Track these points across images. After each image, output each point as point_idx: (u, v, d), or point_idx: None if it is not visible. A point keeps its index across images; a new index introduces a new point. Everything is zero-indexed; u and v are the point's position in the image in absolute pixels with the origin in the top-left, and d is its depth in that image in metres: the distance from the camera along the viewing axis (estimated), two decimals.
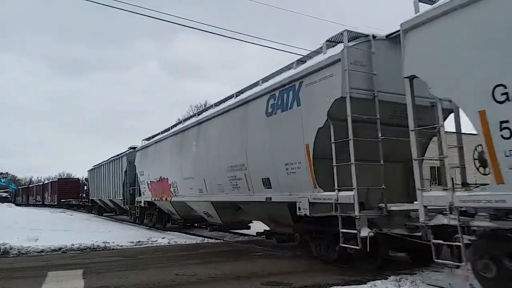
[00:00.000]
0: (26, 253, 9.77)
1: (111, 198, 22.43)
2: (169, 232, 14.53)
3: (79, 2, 11.39)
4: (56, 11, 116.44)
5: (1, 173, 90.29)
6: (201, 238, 12.28)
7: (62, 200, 39.01)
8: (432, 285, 5.58)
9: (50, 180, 48.15)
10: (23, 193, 60.44)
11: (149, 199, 15.91)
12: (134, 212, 18.80)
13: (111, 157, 22.81)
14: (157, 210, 16.08)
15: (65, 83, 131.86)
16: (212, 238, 12.12)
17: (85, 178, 42.65)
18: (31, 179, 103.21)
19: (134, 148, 18.44)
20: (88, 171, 30.14)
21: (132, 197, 18.63)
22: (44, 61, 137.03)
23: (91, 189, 28.80)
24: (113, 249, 10.49)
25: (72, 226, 16.48)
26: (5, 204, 45.25)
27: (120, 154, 20.87)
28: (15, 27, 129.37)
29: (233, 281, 6.26)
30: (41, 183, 53.10)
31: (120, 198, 20.27)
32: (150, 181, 15.34)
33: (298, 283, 5.85)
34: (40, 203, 48.23)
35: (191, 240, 12.00)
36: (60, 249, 10.17)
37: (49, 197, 44.25)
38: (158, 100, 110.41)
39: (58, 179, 44.86)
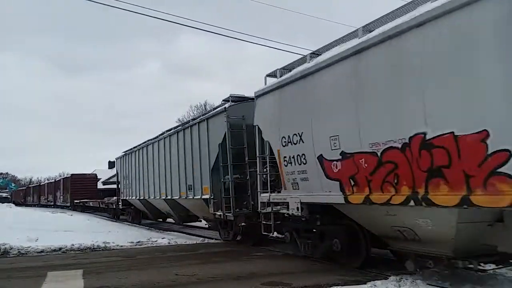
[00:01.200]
0: (26, 253, 9.77)
1: (173, 197, 12.95)
2: (168, 232, 14.52)
3: (80, 1, 11.21)
4: (57, 10, 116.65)
5: (1, 173, 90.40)
6: (201, 238, 12.27)
7: (76, 201, 31.58)
8: (432, 285, 5.58)
9: (62, 177, 39.15)
10: (34, 192, 51.04)
11: (339, 200, 6.61)
12: (241, 226, 9.80)
13: (177, 126, 13.44)
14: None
15: (65, 83, 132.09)
16: (212, 238, 12.11)
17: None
18: (31, 179, 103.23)
19: (240, 98, 10.19)
20: (117, 159, 21.07)
21: (240, 193, 9.71)
22: (45, 60, 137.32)
23: (124, 185, 19.44)
24: (113, 249, 10.50)
25: (72, 226, 16.43)
26: (5, 204, 45.30)
27: (205, 114, 11.47)
28: (16, 27, 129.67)
29: (233, 281, 6.26)
30: (53, 180, 43.74)
31: (202, 196, 10.81)
32: (349, 154, 6.31)
33: (298, 283, 5.86)
34: (52, 203, 40.65)
35: (191, 240, 12.00)
36: (60, 249, 10.17)
37: (61, 197, 36.93)
38: (159, 100, 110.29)
39: (72, 175, 34.92)
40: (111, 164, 45.81)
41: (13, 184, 68.75)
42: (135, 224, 18.42)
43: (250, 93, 9.48)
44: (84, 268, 7.50)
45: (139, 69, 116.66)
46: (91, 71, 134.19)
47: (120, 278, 6.56)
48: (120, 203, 20.36)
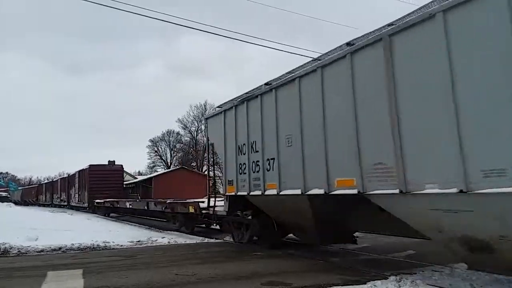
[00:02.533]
0: (26, 253, 9.76)
1: None
2: (169, 231, 14.51)
3: (82, 1, 11.02)
4: (59, 10, 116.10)
5: (1, 173, 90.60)
6: (201, 238, 12.26)
7: (97, 201, 23.53)
8: (432, 285, 5.58)
9: (78, 170, 29.84)
10: (47, 190, 42.97)
11: None
12: None
13: None
14: None
15: (67, 83, 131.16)
16: (212, 238, 12.11)
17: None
18: (31, 179, 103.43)
19: None
20: (209, 119, 11.72)
21: None
22: (46, 60, 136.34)
23: (237, 170, 9.57)
24: (113, 248, 10.49)
25: (72, 225, 16.45)
26: (5, 203, 45.32)
27: None
28: (18, 26, 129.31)
29: (233, 281, 6.26)
30: (66, 175, 35.39)
31: None
32: None
33: (298, 283, 5.86)
34: (66, 203, 33.65)
35: (191, 240, 11.99)
36: (60, 248, 10.17)
37: (76, 196, 29.01)
38: (161, 100, 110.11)
39: (90, 166, 26.46)
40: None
41: (10, 183, 68.71)
42: (137, 224, 17.69)
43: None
44: (84, 267, 7.49)
45: (140, 69, 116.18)
46: (91, 71, 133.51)
47: (120, 277, 6.56)
48: (222, 205, 10.94)
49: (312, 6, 70.34)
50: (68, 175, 34.30)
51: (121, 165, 27.76)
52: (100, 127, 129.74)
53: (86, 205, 26.00)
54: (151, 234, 13.15)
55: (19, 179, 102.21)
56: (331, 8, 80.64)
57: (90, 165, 26.25)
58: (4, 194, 63.70)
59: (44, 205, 42.16)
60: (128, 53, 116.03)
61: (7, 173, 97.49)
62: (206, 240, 11.89)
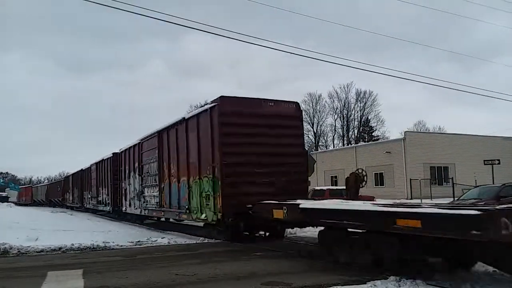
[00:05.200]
0: (26, 253, 9.77)
1: None
2: (169, 232, 14.52)
3: (85, 1, 10.87)
4: (62, 10, 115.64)
5: (1, 173, 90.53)
6: (201, 238, 12.26)
7: (302, 205, 7.57)
8: (432, 285, 5.58)
9: (166, 124, 12.95)
10: (74, 185, 30.47)
11: None
12: None
13: None
14: None
15: (68, 82, 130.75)
16: (212, 238, 12.10)
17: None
18: (31, 179, 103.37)
19: None
20: None
21: None
22: (48, 60, 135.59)
23: None
24: (113, 249, 10.49)
25: (72, 225, 16.46)
26: (5, 203, 45.28)
27: None
28: (20, 26, 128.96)
29: (233, 281, 6.27)
30: (110, 155, 20.05)
31: None
32: None
33: (298, 283, 5.86)
34: (109, 209, 20.01)
35: (191, 240, 11.99)
36: (60, 248, 10.17)
37: (154, 192, 14.06)
38: (162, 99, 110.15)
39: (221, 98, 10.03)
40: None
41: (13, 184, 68.64)
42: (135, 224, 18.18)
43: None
44: (84, 268, 7.50)
45: (143, 69, 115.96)
46: (94, 71, 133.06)
47: (120, 278, 6.56)
48: None
49: (315, 7, 70.38)
50: (120, 150, 18.46)
51: (296, 103, 11.19)
52: (102, 126, 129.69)
53: (214, 218, 10.20)
54: (151, 234, 13.15)
55: (19, 179, 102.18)
56: (333, 9, 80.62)
57: (221, 97, 10.28)
58: (4, 194, 63.64)
59: (72, 208, 31.11)
60: (131, 52, 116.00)
61: (7, 173, 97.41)
62: (206, 240, 11.87)
